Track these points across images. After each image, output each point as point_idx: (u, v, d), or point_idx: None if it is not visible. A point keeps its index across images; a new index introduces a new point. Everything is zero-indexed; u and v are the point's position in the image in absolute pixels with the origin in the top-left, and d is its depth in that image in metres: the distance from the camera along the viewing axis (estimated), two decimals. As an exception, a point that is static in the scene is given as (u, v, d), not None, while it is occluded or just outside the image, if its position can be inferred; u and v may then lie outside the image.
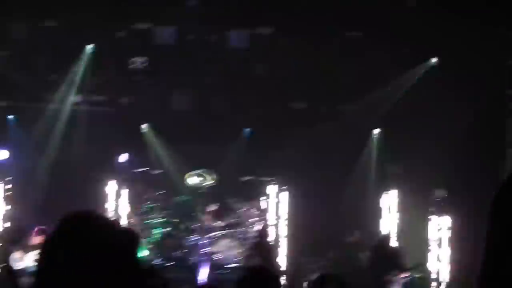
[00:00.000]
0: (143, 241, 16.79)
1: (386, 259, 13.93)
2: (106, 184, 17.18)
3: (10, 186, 16.75)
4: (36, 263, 2.14)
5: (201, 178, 16.76)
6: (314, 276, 6.48)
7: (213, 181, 16.78)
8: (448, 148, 15.44)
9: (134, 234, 2.18)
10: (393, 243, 15.82)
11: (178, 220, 16.95)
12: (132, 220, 17.04)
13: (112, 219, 2.20)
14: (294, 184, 17.03)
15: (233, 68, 17.25)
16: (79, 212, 2.15)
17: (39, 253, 2.13)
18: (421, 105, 16.27)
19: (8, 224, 16.52)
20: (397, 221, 17.08)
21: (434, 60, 16.73)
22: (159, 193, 17.13)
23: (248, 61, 17.41)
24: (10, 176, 16.74)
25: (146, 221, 16.99)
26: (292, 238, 17.10)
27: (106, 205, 17.23)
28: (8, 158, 16.68)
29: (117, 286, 2.08)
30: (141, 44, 17.18)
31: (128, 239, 2.16)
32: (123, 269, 2.10)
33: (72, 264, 2.05)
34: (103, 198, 17.30)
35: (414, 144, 15.62)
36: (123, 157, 17.13)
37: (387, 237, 15.33)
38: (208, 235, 16.59)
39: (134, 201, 17.33)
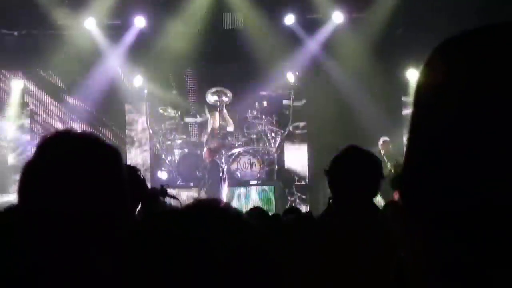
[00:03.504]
0: (165, 161, 16.99)
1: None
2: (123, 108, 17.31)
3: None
4: (18, 188, 2.10)
5: (219, 96, 16.70)
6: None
7: (230, 99, 16.73)
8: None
9: (114, 149, 2.13)
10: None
11: (197, 140, 17.03)
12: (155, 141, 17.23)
13: (92, 136, 2.16)
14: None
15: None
16: (58, 132, 2.12)
17: (21, 176, 2.09)
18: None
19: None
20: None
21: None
22: (178, 113, 17.14)
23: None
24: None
25: (168, 142, 17.09)
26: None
27: (127, 129, 17.43)
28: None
29: (100, 203, 2.05)
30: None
31: (108, 153, 2.13)
32: (106, 184, 2.07)
33: (54, 185, 2.02)
34: (123, 122, 17.47)
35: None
36: (138, 79, 17.09)
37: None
38: (228, 153, 16.68)
39: (154, 122, 17.39)
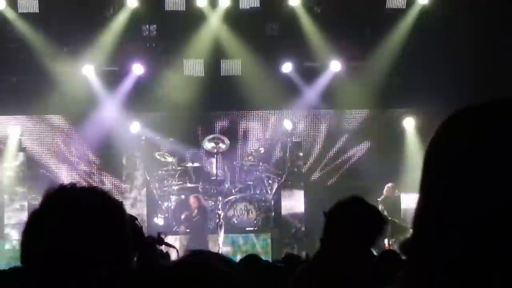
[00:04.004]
0: (161, 208, 16.95)
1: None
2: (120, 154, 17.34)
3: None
4: (22, 238, 2.14)
5: (216, 143, 16.75)
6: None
7: (227, 145, 16.78)
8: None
9: (118, 202, 2.19)
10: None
11: (194, 185, 17.00)
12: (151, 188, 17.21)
13: (97, 189, 2.22)
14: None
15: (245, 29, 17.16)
16: (63, 185, 2.16)
17: (26, 227, 2.14)
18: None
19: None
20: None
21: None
22: (175, 159, 17.14)
23: (260, 22, 17.34)
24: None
25: (164, 188, 17.07)
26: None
27: (123, 174, 17.43)
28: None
29: (105, 254, 2.09)
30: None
31: (112, 207, 2.18)
32: (109, 236, 2.12)
33: (60, 237, 2.07)
34: (120, 167, 17.47)
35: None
36: (135, 126, 17.14)
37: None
38: (225, 200, 16.66)
39: (151, 168, 17.37)
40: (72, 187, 2.17)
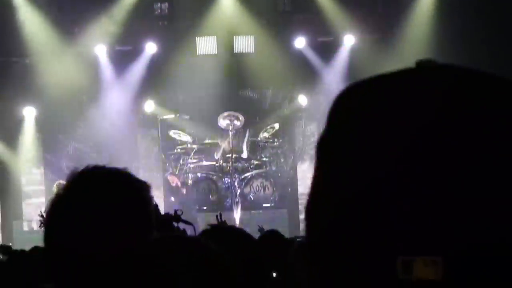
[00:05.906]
0: (179, 185, 16.99)
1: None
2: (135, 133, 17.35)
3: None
4: (46, 220, 2.14)
5: (231, 120, 16.76)
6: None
7: (242, 122, 16.78)
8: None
9: (144, 183, 2.18)
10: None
11: (210, 163, 17.02)
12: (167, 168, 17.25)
13: (121, 172, 2.20)
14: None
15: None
16: (86, 168, 2.17)
17: (49, 210, 2.14)
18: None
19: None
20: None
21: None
22: (191, 137, 17.17)
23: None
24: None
25: (180, 166, 17.10)
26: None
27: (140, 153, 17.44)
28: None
29: (128, 235, 2.08)
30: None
31: (138, 188, 2.18)
32: (132, 219, 2.12)
33: (84, 220, 2.07)
34: (135, 147, 17.46)
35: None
36: (150, 105, 17.10)
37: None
38: (241, 176, 16.69)
39: (166, 147, 17.39)
40: (96, 169, 2.16)
